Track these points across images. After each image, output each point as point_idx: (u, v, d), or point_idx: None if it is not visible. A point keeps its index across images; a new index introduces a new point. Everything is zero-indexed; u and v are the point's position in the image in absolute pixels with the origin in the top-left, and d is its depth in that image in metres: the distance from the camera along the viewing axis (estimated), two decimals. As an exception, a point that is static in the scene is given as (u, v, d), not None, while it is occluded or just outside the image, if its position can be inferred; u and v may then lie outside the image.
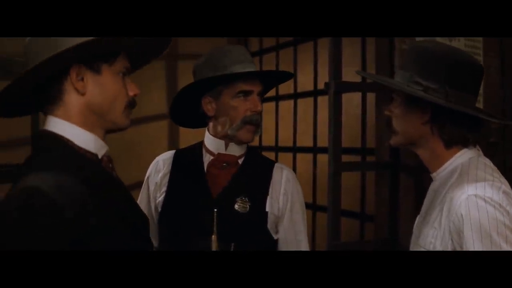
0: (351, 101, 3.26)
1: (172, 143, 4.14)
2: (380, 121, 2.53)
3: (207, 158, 1.90)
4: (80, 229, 1.13)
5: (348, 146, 2.98)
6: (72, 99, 1.27)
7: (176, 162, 1.95)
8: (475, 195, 1.36)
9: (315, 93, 3.76)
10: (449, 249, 1.40)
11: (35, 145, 1.31)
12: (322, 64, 3.65)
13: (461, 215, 1.36)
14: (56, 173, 1.17)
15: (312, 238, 3.63)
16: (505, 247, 1.31)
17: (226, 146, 1.88)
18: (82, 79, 1.26)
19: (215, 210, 1.75)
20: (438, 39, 2.22)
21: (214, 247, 1.73)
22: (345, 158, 2.55)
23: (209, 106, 1.86)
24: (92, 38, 1.21)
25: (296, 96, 3.97)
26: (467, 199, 1.36)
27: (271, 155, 3.71)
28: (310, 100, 3.81)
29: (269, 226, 1.85)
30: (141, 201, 1.98)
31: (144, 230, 1.41)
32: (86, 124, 1.28)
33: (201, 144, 1.94)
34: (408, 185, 2.38)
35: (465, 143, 1.52)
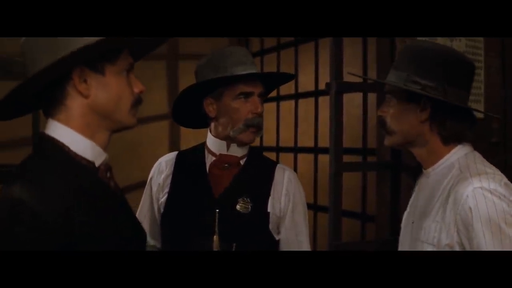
0: (352, 101, 3.26)
1: (173, 144, 4.14)
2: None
3: (209, 159, 1.90)
4: (64, 242, 1.11)
5: (349, 146, 2.99)
6: (75, 102, 1.22)
7: (179, 163, 1.95)
8: (481, 187, 1.38)
9: (316, 94, 3.76)
10: (455, 241, 1.41)
11: (34, 147, 1.29)
12: (323, 64, 3.66)
13: (469, 208, 1.38)
14: (45, 183, 1.14)
15: (313, 239, 3.63)
16: None
17: (228, 147, 1.88)
18: (85, 81, 1.21)
19: (217, 210, 1.75)
20: (439, 39, 2.22)
21: (215, 247, 1.73)
22: (346, 158, 2.54)
23: (210, 107, 1.86)
24: (98, 39, 1.16)
25: (297, 96, 3.97)
26: (473, 191, 1.39)
27: (272, 156, 3.71)
28: (311, 100, 3.81)
29: (270, 227, 1.85)
30: (144, 202, 1.98)
31: (138, 242, 1.35)
32: (89, 127, 1.24)
33: (203, 145, 1.94)
34: (409, 185, 2.38)
35: (462, 140, 1.55)
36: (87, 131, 1.24)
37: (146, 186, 1.99)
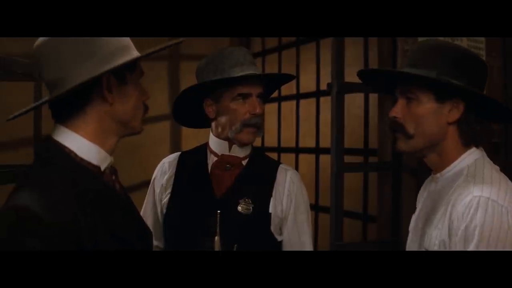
0: (354, 102, 3.25)
1: (174, 144, 4.14)
2: (382, 122, 2.53)
3: (211, 159, 1.90)
4: (69, 248, 1.11)
5: (350, 146, 2.98)
6: (94, 109, 1.25)
7: (181, 164, 1.95)
8: (480, 197, 1.35)
9: (317, 94, 3.76)
10: (446, 246, 1.39)
11: (38, 151, 1.29)
12: (324, 64, 3.65)
13: (462, 214, 1.35)
14: (51, 189, 1.15)
15: (315, 239, 3.63)
16: (498, 248, 1.30)
17: (230, 147, 1.88)
18: (111, 90, 1.25)
19: (219, 211, 1.75)
20: (441, 39, 2.21)
21: (217, 248, 1.73)
22: (348, 158, 2.54)
23: (210, 108, 1.87)
24: (136, 55, 1.23)
25: (298, 97, 3.97)
26: (471, 200, 1.36)
27: (273, 156, 3.71)
28: (313, 101, 3.81)
29: (272, 228, 1.85)
30: (147, 203, 1.98)
31: (144, 243, 1.37)
32: (103, 133, 1.26)
33: (206, 145, 1.95)
34: (410, 185, 2.37)
35: (481, 142, 1.50)
36: (100, 137, 1.27)
37: (149, 187, 1.99)
